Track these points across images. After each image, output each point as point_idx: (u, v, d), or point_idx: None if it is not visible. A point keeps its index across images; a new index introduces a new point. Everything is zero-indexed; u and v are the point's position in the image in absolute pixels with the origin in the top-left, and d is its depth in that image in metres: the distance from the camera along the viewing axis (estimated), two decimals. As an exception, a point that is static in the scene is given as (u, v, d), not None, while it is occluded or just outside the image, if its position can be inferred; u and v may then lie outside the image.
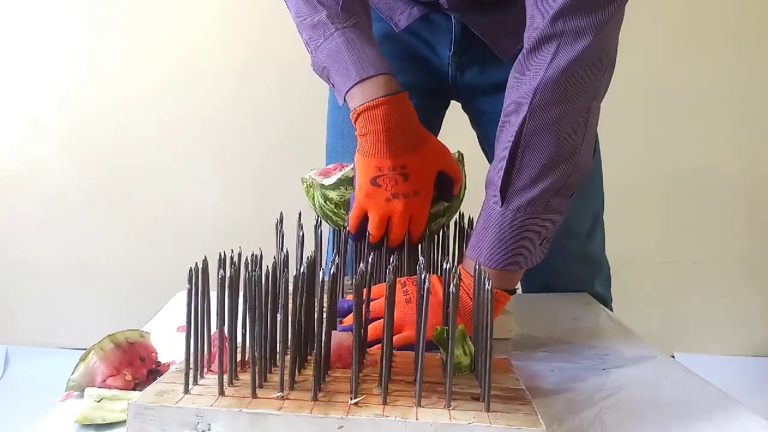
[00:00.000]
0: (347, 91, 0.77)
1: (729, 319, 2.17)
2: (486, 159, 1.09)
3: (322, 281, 0.56)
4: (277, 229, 0.87)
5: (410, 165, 0.77)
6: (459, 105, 1.11)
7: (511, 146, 0.71)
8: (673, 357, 1.55)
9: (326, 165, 1.12)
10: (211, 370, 0.59)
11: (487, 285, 0.56)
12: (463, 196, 0.90)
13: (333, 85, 0.81)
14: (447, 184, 0.82)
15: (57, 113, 2.11)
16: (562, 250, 1.01)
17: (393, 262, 0.62)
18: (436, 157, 0.81)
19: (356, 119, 0.77)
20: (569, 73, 0.69)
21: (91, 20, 2.07)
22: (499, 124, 0.75)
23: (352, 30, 0.78)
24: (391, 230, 0.81)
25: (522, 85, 0.71)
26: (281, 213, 0.88)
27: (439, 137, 0.95)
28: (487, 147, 1.09)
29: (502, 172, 0.72)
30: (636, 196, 2.11)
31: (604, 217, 1.11)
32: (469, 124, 1.13)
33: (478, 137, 1.13)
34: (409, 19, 0.94)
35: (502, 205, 0.72)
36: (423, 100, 0.96)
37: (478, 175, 0.84)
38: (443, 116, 1.12)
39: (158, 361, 0.69)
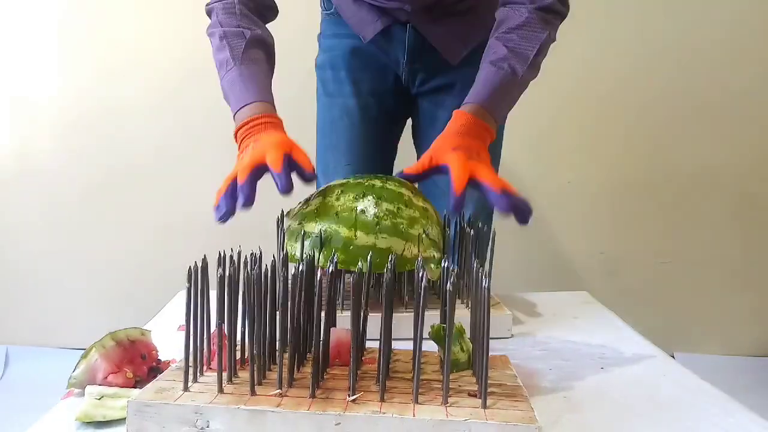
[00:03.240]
0: (235, 113, 0.91)
1: (729, 319, 2.17)
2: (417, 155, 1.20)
3: (320, 280, 0.56)
4: (277, 227, 0.87)
5: None
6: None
7: (544, 39, 0.93)
8: (673, 357, 1.55)
9: (315, 160, 1.19)
10: (210, 368, 0.60)
11: (484, 283, 0.57)
12: None
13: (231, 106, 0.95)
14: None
15: (58, 113, 2.11)
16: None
17: (392, 260, 0.62)
18: None
19: (236, 133, 0.90)
20: None
21: (92, 19, 2.07)
22: (523, 23, 0.93)
23: (246, 66, 0.94)
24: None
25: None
26: (282, 211, 0.89)
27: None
28: (421, 144, 1.21)
29: (535, 50, 0.92)
30: (636, 196, 2.11)
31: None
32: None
33: (413, 137, 1.24)
34: (374, 32, 1.10)
35: (520, 77, 0.91)
36: (390, 100, 1.18)
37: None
38: (406, 118, 1.24)
39: (159, 359, 0.69)
